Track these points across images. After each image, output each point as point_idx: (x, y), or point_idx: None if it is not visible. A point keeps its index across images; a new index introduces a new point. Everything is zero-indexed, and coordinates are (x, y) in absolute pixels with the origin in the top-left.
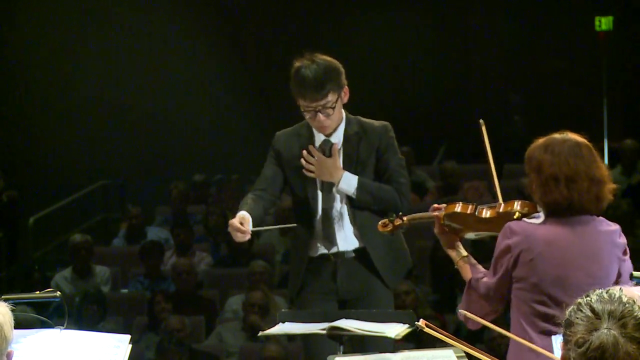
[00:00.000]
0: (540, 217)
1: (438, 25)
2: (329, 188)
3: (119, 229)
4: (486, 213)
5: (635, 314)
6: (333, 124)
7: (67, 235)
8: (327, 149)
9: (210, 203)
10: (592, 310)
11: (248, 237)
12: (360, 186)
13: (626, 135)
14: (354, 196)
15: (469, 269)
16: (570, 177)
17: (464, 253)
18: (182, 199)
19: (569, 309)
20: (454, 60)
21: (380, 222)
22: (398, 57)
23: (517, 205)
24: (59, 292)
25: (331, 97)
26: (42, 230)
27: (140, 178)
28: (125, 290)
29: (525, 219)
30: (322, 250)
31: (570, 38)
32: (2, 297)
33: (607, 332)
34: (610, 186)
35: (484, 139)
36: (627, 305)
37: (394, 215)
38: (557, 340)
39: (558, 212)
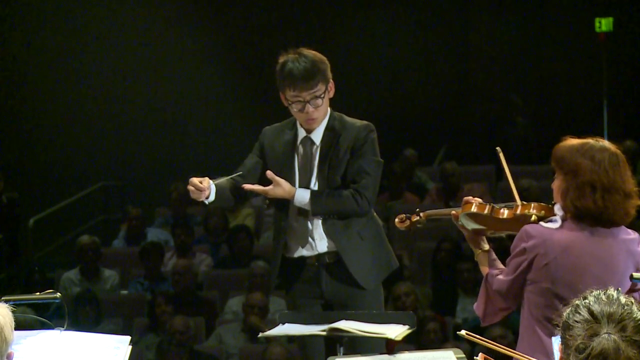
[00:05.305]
0: (558, 221)
1: (439, 26)
2: (304, 186)
3: (119, 230)
4: (503, 213)
5: (634, 315)
6: (320, 118)
7: (67, 237)
8: (307, 145)
9: None
10: (591, 313)
11: (203, 196)
12: (312, 199)
13: (626, 136)
14: (309, 209)
15: (488, 263)
16: (607, 188)
17: (486, 247)
18: (182, 200)
19: (567, 311)
20: (454, 61)
21: (397, 218)
22: (398, 58)
23: (533, 208)
24: (58, 294)
25: (320, 87)
26: (42, 231)
27: (141, 179)
28: (125, 292)
29: (542, 223)
30: (303, 252)
31: (570, 39)
32: (2, 298)
33: (607, 337)
34: (636, 202)
35: (502, 165)
36: (625, 307)
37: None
38: (556, 342)
39: (584, 219)
